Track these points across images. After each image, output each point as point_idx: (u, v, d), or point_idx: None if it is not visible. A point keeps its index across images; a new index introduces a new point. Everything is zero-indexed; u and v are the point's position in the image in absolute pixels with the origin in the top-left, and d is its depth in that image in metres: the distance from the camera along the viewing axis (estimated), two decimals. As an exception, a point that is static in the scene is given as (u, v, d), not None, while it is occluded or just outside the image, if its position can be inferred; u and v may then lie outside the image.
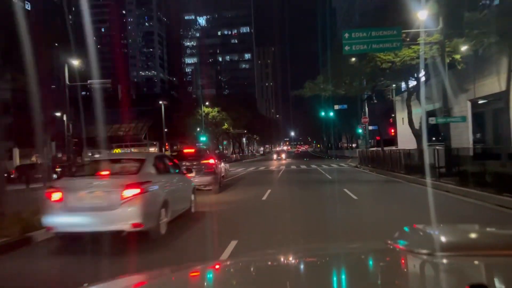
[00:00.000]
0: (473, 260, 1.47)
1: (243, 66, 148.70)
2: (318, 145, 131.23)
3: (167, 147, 42.68)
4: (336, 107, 44.90)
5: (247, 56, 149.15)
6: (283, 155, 54.04)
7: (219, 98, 60.82)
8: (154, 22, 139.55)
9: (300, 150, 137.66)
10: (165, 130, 42.97)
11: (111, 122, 48.68)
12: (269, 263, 1.95)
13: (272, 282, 1.52)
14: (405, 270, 1.64)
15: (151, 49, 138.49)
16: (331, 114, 43.89)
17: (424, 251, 1.52)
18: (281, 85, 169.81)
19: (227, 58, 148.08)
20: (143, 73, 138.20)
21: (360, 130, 42.55)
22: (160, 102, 42.67)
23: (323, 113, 47.23)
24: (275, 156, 55.74)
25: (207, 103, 49.71)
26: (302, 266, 1.86)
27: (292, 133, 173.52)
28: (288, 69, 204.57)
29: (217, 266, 1.94)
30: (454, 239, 1.75)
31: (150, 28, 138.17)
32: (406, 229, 1.88)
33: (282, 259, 2.02)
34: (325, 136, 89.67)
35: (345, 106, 44.48)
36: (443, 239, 1.67)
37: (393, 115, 37.88)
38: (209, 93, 74.33)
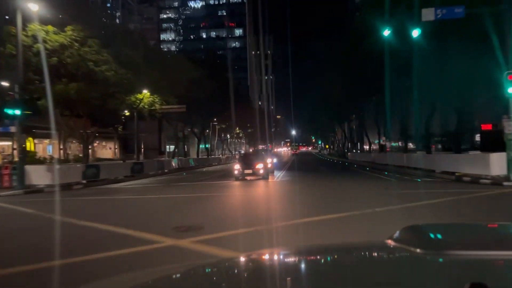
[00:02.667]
0: (474, 259, 1.45)
1: (233, 44, 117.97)
2: (327, 146, 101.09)
3: None
4: (427, 13, 13.96)
5: (238, 32, 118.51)
6: (260, 167, 19.76)
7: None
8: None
9: (298, 151, 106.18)
10: None
11: None
12: (268, 261, 1.93)
13: (271, 280, 1.50)
14: (406, 269, 1.57)
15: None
16: (416, 33, 12.93)
17: (425, 249, 1.52)
18: (283, 79, 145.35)
19: (213, 34, 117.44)
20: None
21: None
22: None
23: (387, 32, 15.82)
24: (237, 170, 19.96)
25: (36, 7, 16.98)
26: (301, 264, 1.81)
27: (293, 132, 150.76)
28: (290, 60, 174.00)
29: (214, 265, 1.94)
30: (455, 237, 1.74)
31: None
32: (406, 227, 1.86)
33: (281, 257, 1.98)
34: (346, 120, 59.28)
35: (461, 8, 13.53)
36: (444, 237, 1.68)
37: None
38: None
